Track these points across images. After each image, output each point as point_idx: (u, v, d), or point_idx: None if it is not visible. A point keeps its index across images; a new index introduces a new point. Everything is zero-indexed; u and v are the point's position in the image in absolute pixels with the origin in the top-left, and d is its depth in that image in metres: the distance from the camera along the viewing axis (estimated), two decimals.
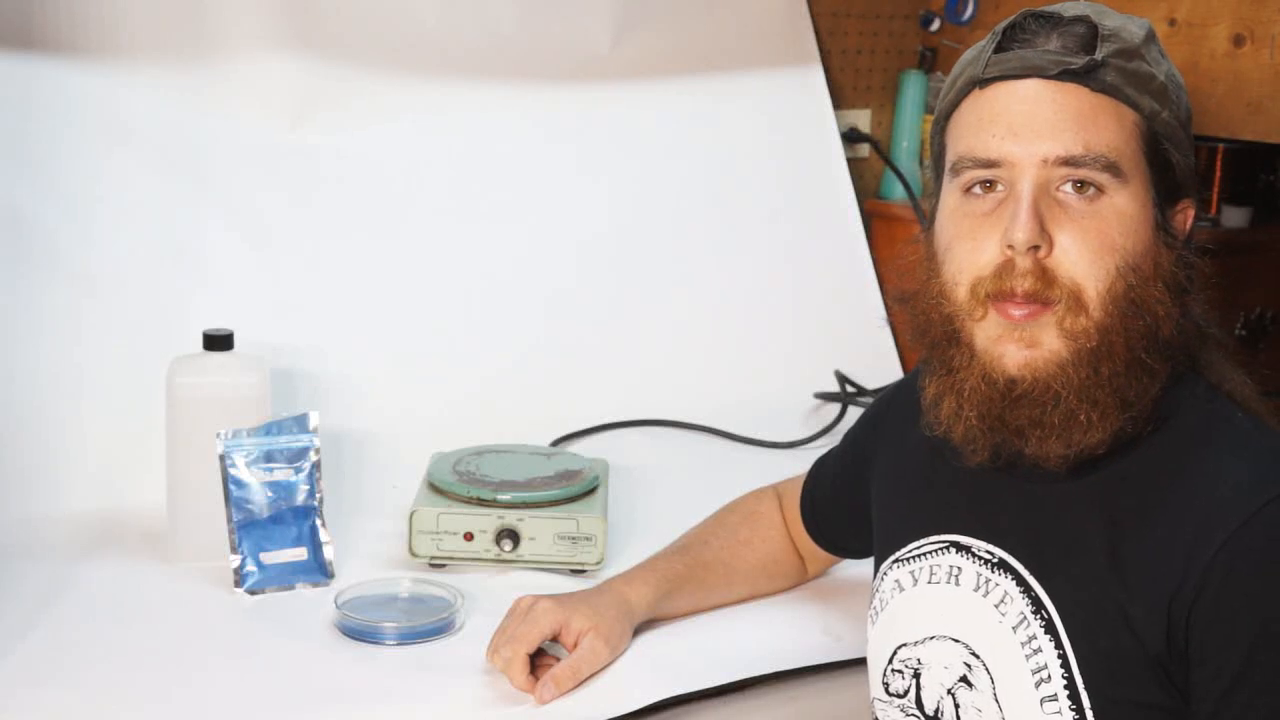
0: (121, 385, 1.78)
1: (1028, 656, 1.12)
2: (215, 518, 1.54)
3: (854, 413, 2.09)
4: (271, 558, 1.54)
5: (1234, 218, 2.26)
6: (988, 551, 1.17)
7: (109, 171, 1.83)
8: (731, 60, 2.26)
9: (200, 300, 1.84)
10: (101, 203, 1.82)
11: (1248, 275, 2.18)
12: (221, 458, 1.54)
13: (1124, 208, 1.10)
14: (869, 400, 2.10)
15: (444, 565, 1.59)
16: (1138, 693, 1.08)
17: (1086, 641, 1.10)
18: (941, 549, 1.21)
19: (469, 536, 1.57)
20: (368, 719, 1.29)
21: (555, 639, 1.35)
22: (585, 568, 1.58)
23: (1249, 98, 1.91)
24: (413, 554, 1.57)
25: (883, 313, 2.29)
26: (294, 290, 1.92)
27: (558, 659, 1.35)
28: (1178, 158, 1.13)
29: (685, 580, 1.46)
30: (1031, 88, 1.11)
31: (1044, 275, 1.08)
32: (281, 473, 1.56)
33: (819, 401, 2.20)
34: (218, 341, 1.62)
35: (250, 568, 1.53)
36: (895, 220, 2.37)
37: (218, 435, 1.54)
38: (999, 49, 1.13)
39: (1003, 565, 1.16)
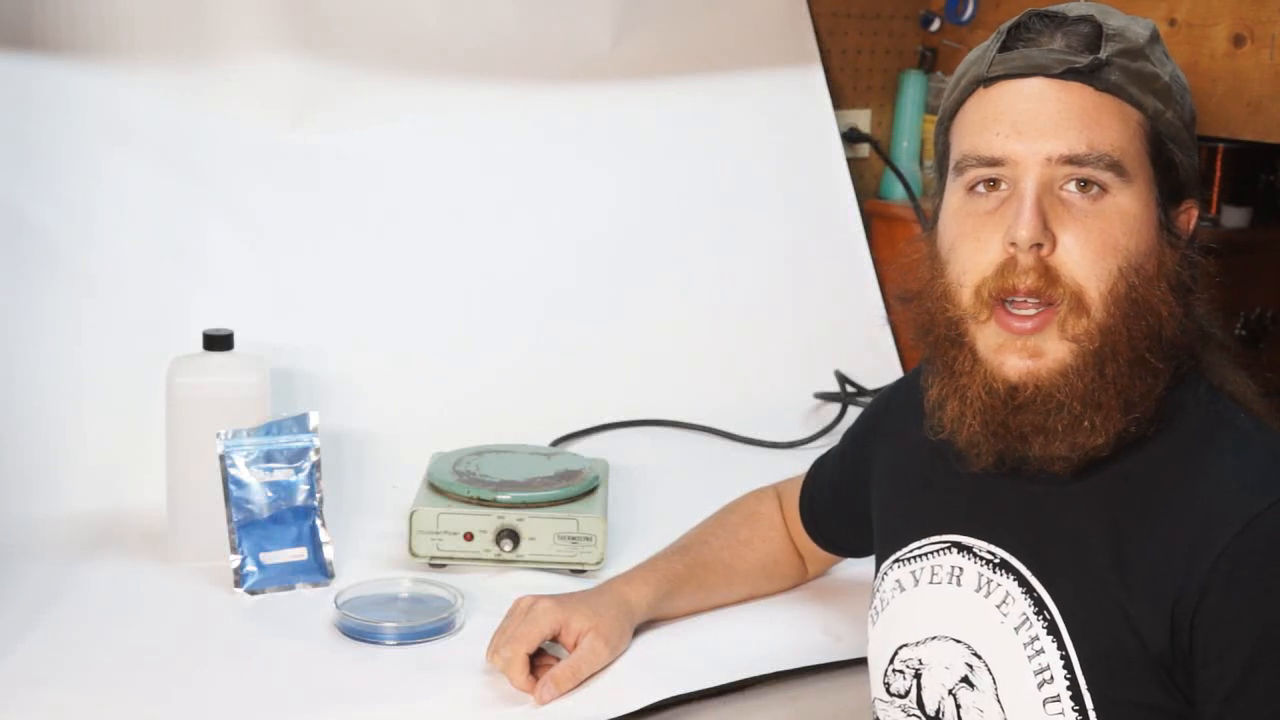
0: (121, 385, 1.78)
1: (1030, 657, 1.12)
2: (215, 518, 1.54)
3: (854, 413, 2.09)
4: (271, 558, 1.54)
5: (1234, 218, 2.26)
6: (989, 552, 1.17)
7: (109, 171, 1.83)
8: (731, 60, 2.26)
9: (200, 300, 1.84)
10: (101, 203, 1.82)
11: (1248, 275, 2.18)
12: (221, 458, 1.54)
13: (1127, 207, 1.09)
14: (869, 400, 2.09)
15: (444, 565, 1.58)
16: (1140, 694, 1.08)
17: (1089, 642, 1.10)
18: (943, 549, 1.21)
19: (469, 536, 1.57)
20: (368, 719, 1.29)
21: (555, 639, 1.35)
22: (585, 568, 1.58)
23: (1249, 98, 1.91)
24: (413, 554, 1.57)
25: (883, 313, 2.29)
26: (294, 290, 1.92)
27: (558, 659, 1.35)
28: (1181, 158, 1.13)
29: (685, 580, 1.46)
30: (1036, 86, 1.11)
31: (1046, 273, 1.08)
32: (281, 473, 1.56)
33: (819, 401, 2.20)
34: (218, 341, 1.62)
35: (250, 568, 1.53)
36: (895, 220, 2.37)
37: (218, 435, 1.54)
38: (1004, 48, 1.13)
39: (1004, 566, 1.16)
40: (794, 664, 1.43)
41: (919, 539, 1.24)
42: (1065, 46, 1.11)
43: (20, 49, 1.78)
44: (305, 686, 1.32)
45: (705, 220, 2.23)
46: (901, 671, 1.22)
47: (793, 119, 2.32)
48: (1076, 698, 1.10)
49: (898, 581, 1.25)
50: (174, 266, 1.85)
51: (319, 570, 1.55)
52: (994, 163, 1.11)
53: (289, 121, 1.94)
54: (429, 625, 1.43)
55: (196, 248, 1.87)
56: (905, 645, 1.22)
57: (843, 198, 2.35)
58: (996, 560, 1.17)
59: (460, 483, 1.61)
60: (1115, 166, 1.09)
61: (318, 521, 1.56)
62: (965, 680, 1.17)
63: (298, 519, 1.56)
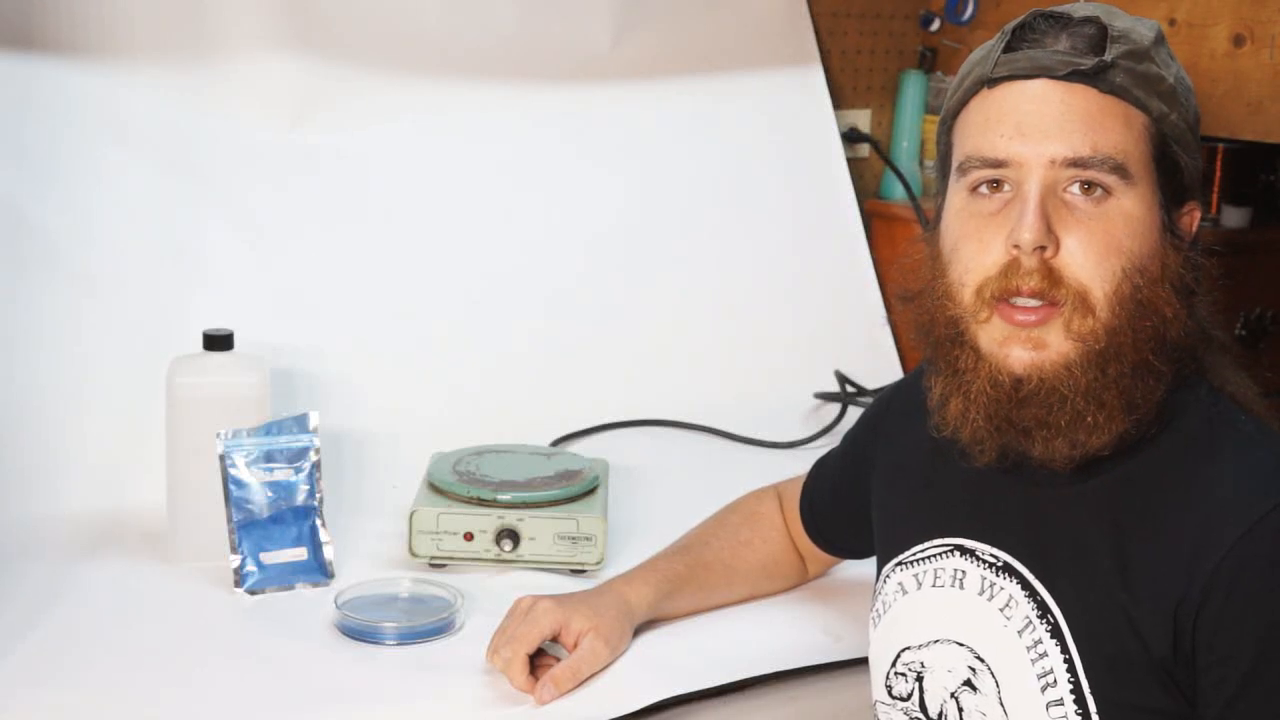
0: (121, 385, 1.78)
1: (1033, 661, 1.12)
2: (215, 518, 1.54)
3: (854, 413, 2.09)
4: (271, 558, 1.54)
5: (1234, 218, 2.26)
6: (992, 555, 1.17)
7: (109, 171, 1.83)
8: (731, 60, 2.26)
9: (200, 300, 1.84)
10: (101, 203, 1.82)
11: (1248, 275, 2.18)
12: (221, 458, 1.54)
13: (1131, 210, 1.09)
14: (869, 400, 2.09)
15: (444, 565, 1.58)
16: (1143, 697, 1.08)
17: (1092, 645, 1.10)
18: (945, 552, 1.21)
19: (469, 536, 1.57)
20: (367, 719, 1.29)
21: (555, 639, 1.35)
22: (585, 568, 1.58)
23: (1249, 98, 1.91)
24: (413, 554, 1.57)
25: (883, 313, 2.29)
26: (294, 290, 1.92)
27: (558, 659, 1.35)
28: (1185, 160, 1.13)
29: (686, 581, 1.46)
30: (1040, 88, 1.10)
31: (1050, 275, 1.08)
32: (281, 473, 1.56)
33: (819, 401, 2.20)
34: (218, 341, 1.62)
35: (250, 568, 1.53)
36: (895, 220, 2.37)
37: (218, 435, 1.54)
38: (1008, 49, 1.12)
39: (1007, 569, 1.16)
40: (794, 664, 1.43)
41: (921, 542, 1.24)
42: (1070, 48, 1.11)
43: (20, 49, 1.78)
44: (305, 686, 1.32)
45: (705, 220, 2.23)
46: (904, 674, 1.22)
47: (793, 119, 2.32)
48: (1079, 701, 1.10)
49: (900, 584, 1.24)
50: (174, 266, 1.85)
51: (319, 570, 1.55)
52: (997, 164, 1.11)
53: (289, 121, 1.94)
54: (429, 625, 1.43)
55: (196, 248, 1.87)
56: (907, 648, 1.22)
57: (843, 198, 2.35)
58: (999, 563, 1.16)
59: (460, 483, 1.61)
60: (1119, 169, 1.09)
61: (318, 521, 1.56)
62: (968, 683, 1.17)
63: (298, 519, 1.56)
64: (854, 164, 2.39)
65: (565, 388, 2.07)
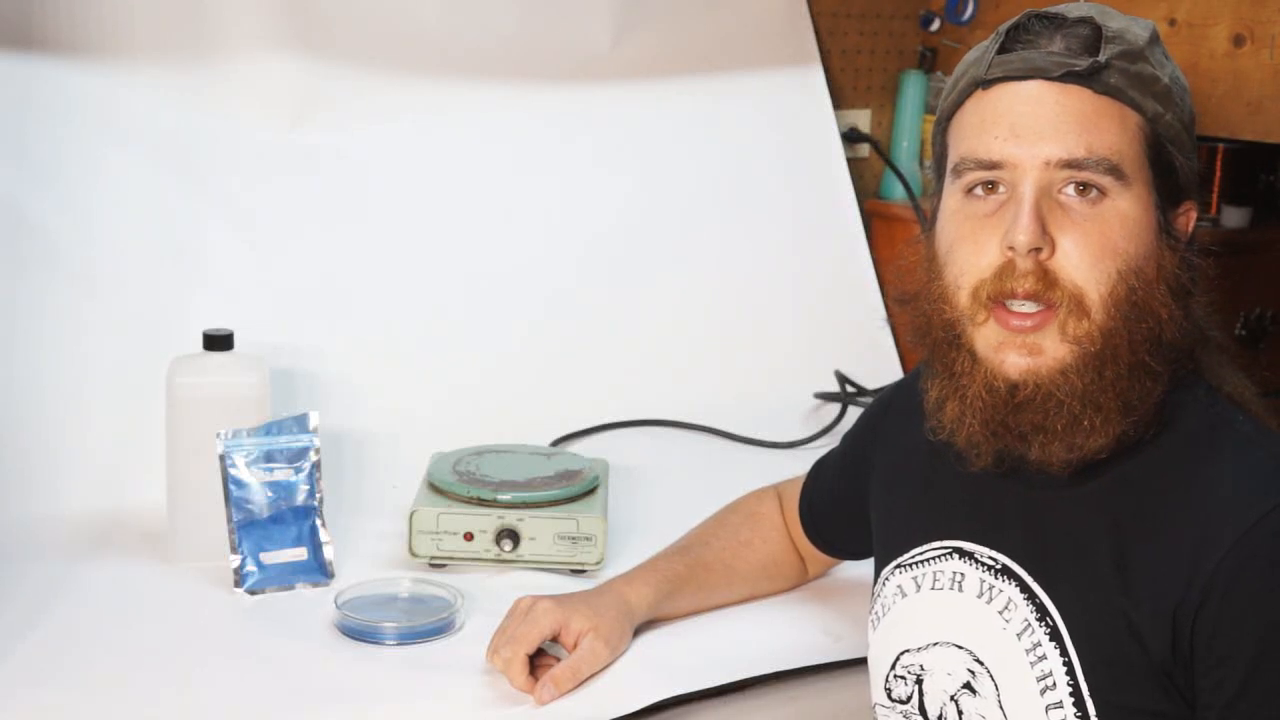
0: (121, 385, 1.78)
1: (1032, 664, 1.12)
2: (215, 518, 1.54)
3: (854, 413, 2.09)
4: (271, 558, 1.54)
5: (1234, 218, 2.26)
6: (991, 558, 1.17)
7: (109, 171, 1.83)
8: (731, 60, 2.26)
9: (200, 300, 1.84)
10: (101, 203, 1.82)
11: (1248, 275, 2.18)
12: (221, 458, 1.54)
13: (1126, 211, 1.09)
14: (869, 400, 2.09)
15: (444, 565, 1.59)
16: (1143, 700, 1.08)
17: (1091, 648, 1.10)
18: (944, 555, 1.21)
19: (469, 536, 1.57)
20: (367, 719, 1.29)
21: (555, 639, 1.35)
22: (585, 568, 1.58)
23: (1249, 98, 1.91)
24: (413, 554, 1.57)
25: (883, 313, 2.29)
26: (294, 290, 1.92)
27: (558, 659, 1.35)
28: (1181, 160, 1.12)
29: (686, 581, 1.46)
30: (1034, 89, 1.10)
31: (1045, 277, 1.08)
32: (281, 473, 1.56)
33: (819, 401, 2.20)
34: (218, 341, 1.62)
35: (250, 568, 1.53)
36: (895, 220, 2.37)
37: (218, 435, 1.54)
38: (1002, 49, 1.12)
39: (1006, 571, 1.16)
40: (794, 664, 1.43)
41: (920, 544, 1.24)
42: (1064, 49, 1.10)
43: (20, 49, 1.78)
44: (305, 686, 1.32)
45: (705, 220, 2.23)
46: (903, 677, 1.22)
47: (793, 119, 2.33)
48: (1079, 704, 1.10)
49: (899, 587, 1.24)
50: (174, 266, 1.85)
51: (319, 570, 1.55)
52: (992, 166, 1.11)
53: (289, 121, 1.94)
54: (429, 625, 1.43)
55: (196, 248, 1.87)
56: (907, 651, 1.22)
57: (843, 198, 2.35)
58: (998, 566, 1.16)
59: (460, 483, 1.61)
60: (1114, 170, 1.08)
61: (318, 521, 1.56)
62: (967, 686, 1.17)
63: (298, 519, 1.56)
64: (854, 164, 2.39)
65: (565, 388, 2.07)
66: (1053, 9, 1.14)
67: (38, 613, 1.44)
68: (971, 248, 1.11)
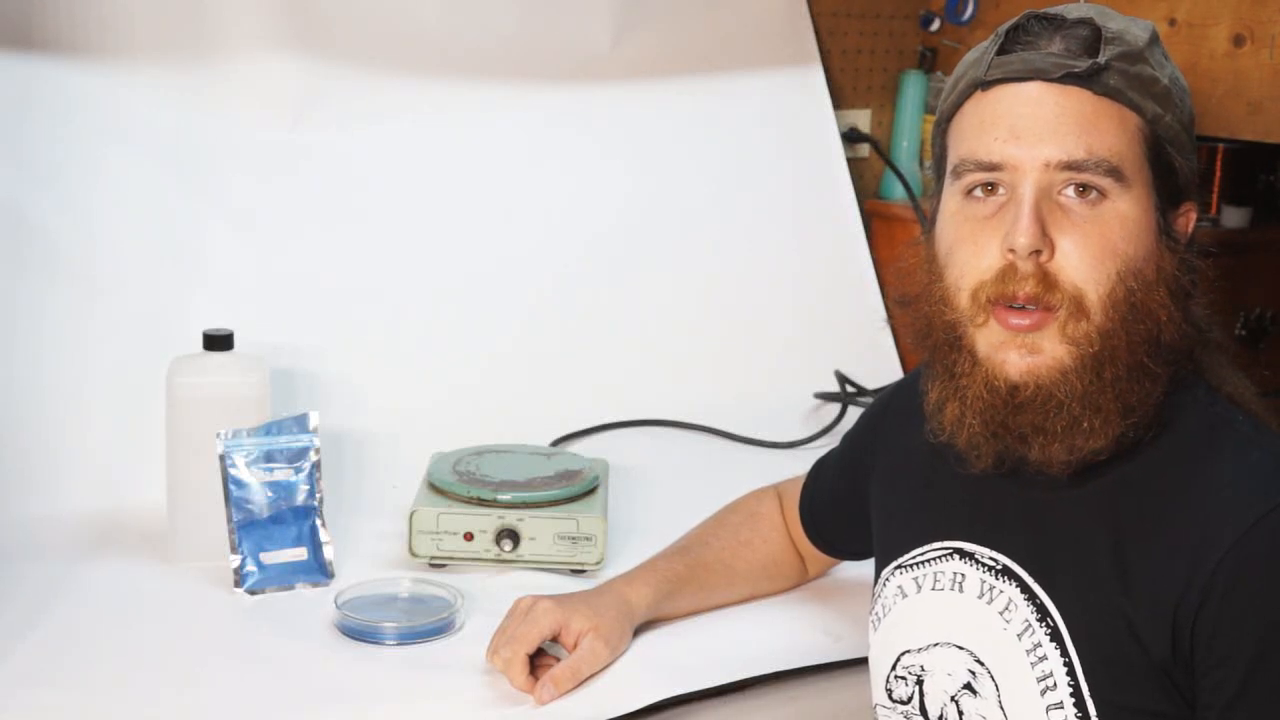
0: (121, 385, 1.78)
1: (1033, 664, 1.12)
2: (215, 518, 1.54)
3: (854, 413, 2.09)
4: (271, 558, 1.54)
5: (1234, 218, 2.26)
6: (991, 558, 1.17)
7: (109, 171, 1.83)
8: (731, 60, 2.26)
9: (200, 300, 1.84)
10: (101, 203, 1.82)
11: (1248, 275, 2.18)
12: (221, 458, 1.54)
13: (1126, 212, 1.09)
14: (869, 400, 2.10)
15: (444, 565, 1.59)
16: (1143, 700, 1.08)
17: (1091, 648, 1.10)
18: (945, 555, 1.21)
19: (469, 536, 1.57)
20: (368, 719, 1.29)
21: (555, 639, 1.35)
22: (585, 568, 1.58)
23: (1249, 98, 1.91)
24: (413, 554, 1.57)
25: (883, 313, 2.29)
26: (294, 290, 1.92)
27: (558, 659, 1.35)
28: (1180, 161, 1.12)
29: (686, 581, 1.46)
30: (1034, 90, 1.10)
31: (1045, 279, 1.08)
32: (281, 473, 1.56)
33: (819, 401, 2.20)
34: (218, 341, 1.62)
35: (250, 568, 1.53)
36: (895, 220, 2.37)
37: (218, 435, 1.54)
38: (1001, 51, 1.12)
39: (1006, 572, 1.16)
40: (794, 664, 1.43)
41: (920, 545, 1.24)
42: (1064, 50, 1.10)
43: (20, 49, 1.78)
44: (305, 686, 1.32)
45: (705, 220, 2.23)
46: (904, 678, 1.22)
47: (793, 119, 2.33)
48: (1079, 704, 1.10)
49: (899, 588, 1.24)
50: (174, 266, 1.85)
51: (319, 570, 1.55)
52: (992, 167, 1.11)
53: (289, 121, 1.94)
54: (429, 625, 1.43)
55: (196, 248, 1.87)
56: (907, 651, 1.22)
57: (843, 198, 2.35)
58: (998, 566, 1.16)
59: (460, 483, 1.61)
60: (1114, 172, 1.08)
61: (318, 521, 1.56)
62: (968, 687, 1.17)
63: (298, 519, 1.56)
64: (854, 164, 2.39)
65: (565, 388, 2.07)
66: (1052, 10, 1.14)
67: (38, 613, 1.44)
68: (971, 250, 1.11)
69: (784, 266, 2.27)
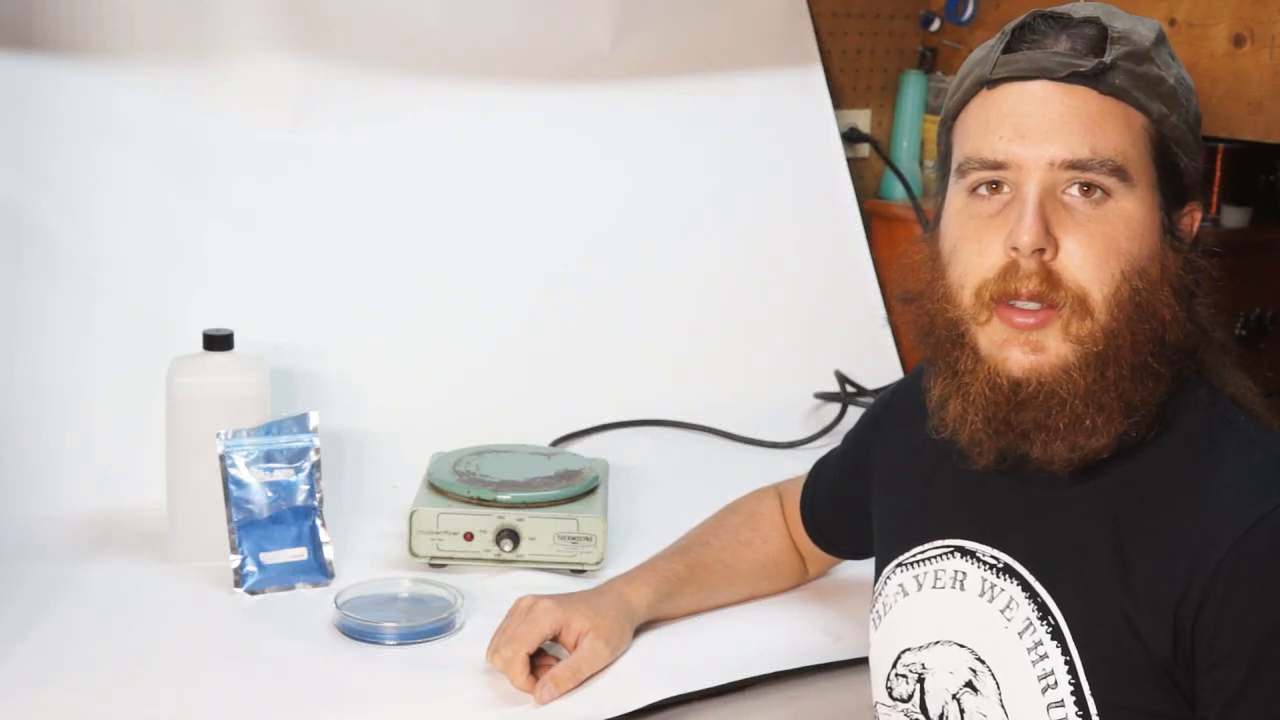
0: (121, 385, 1.78)
1: (1034, 662, 1.12)
2: (215, 518, 1.54)
3: (854, 413, 2.09)
4: (271, 558, 1.54)
5: (1234, 218, 2.26)
6: (992, 557, 1.17)
7: (109, 171, 1.83)
8: (731, 60, 2.26)
9: (200, 300, 1.84)
10: (101, 203, 1.82)
11: (1248, 275, 2.18)
12: (221, 458, 1.54)
13: (1131, 212, 1.09)
14: (869, 400, 2.10)
15: (444, 565, 1.58)
16: (1144, 699, 1.08)
17: (1093, 647, 1.10)
18: (946, 554, 1.21)
19: (469, 536, 1.57)
20: (368, 719, 1.29)
21: (555, 639, 1.35)
22: (585, 568, 1.58)
23: (1249, 98, 1.91)
24: (413, 554, 1.57)
25: (883, 313, 2.29)
26: (294, 290, 1.92)
27: (558, 659, 1.35)
28: (1186, 161, 1.12)
29: (686, 581, 1.46)
30: (1039, 89, 1.10)
31: (1049, 278, 1.08)
32: (281, 473, 1.56)
33: (819, 401, 2.20)
34: (218, 341, 1.62)
35: (250, 568, 1.53)
36: (895, 220, 2.37)
37: (218, 435, 1.54)
38: (1007, 49, 1.12)
39: (1008, 570, 1.16)
40: (794, 664, 1.43)
41: (921, 543, 1.24)
42: (1070, 49, 1.10)
43: (20, 49, 1.78)
44: (305, 686, 1.32)
45: (705, 220, 2.23)
46: (904, 676, 1.22)
47: (793, 119, 2.33)
48: (1080, 703, 1.10)
49: (900, 586, 1.24)
50: (174, 266, 1.85)
51: (319, 570, 1.55)
52: (997, 166, 1.10)
53: (289, 121, 1.94)
54: (429, 625, 1.43)
55: (196, 247, 1.87)
56: (908, 650, 1.22)
57: (843, 198, 2.35)
58: (1000, 565, 1.16)
59: (460, 483, 1.61)
60: (1119, 171, 1.08)
61: (318, 521, 1.56)
62: (969, 685, 1.17)
63: (298, 519, 1.56)
64: (854, 164, 2.39)
65: (565, 388, 2.07)
66: (1058, 9, 1.14)
67: (38, 613, 1.44)
68: (975, 248, 1.11)
69: (784, 267, 2.27)
